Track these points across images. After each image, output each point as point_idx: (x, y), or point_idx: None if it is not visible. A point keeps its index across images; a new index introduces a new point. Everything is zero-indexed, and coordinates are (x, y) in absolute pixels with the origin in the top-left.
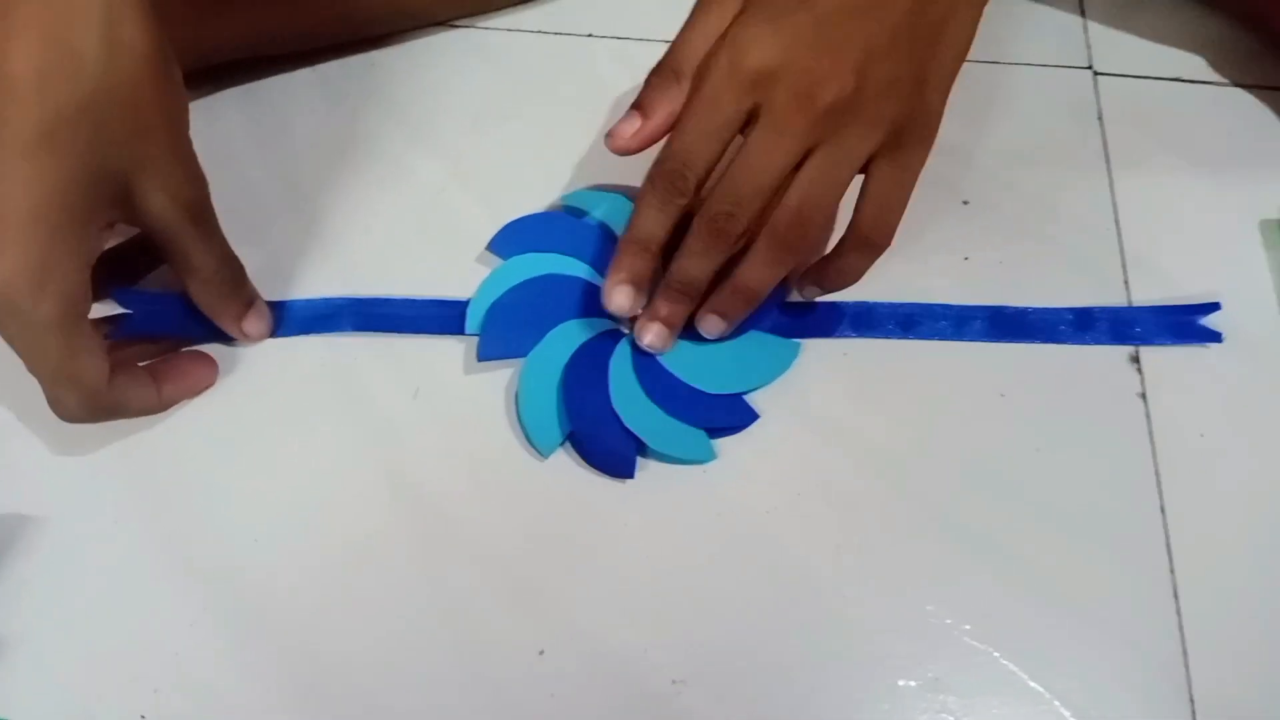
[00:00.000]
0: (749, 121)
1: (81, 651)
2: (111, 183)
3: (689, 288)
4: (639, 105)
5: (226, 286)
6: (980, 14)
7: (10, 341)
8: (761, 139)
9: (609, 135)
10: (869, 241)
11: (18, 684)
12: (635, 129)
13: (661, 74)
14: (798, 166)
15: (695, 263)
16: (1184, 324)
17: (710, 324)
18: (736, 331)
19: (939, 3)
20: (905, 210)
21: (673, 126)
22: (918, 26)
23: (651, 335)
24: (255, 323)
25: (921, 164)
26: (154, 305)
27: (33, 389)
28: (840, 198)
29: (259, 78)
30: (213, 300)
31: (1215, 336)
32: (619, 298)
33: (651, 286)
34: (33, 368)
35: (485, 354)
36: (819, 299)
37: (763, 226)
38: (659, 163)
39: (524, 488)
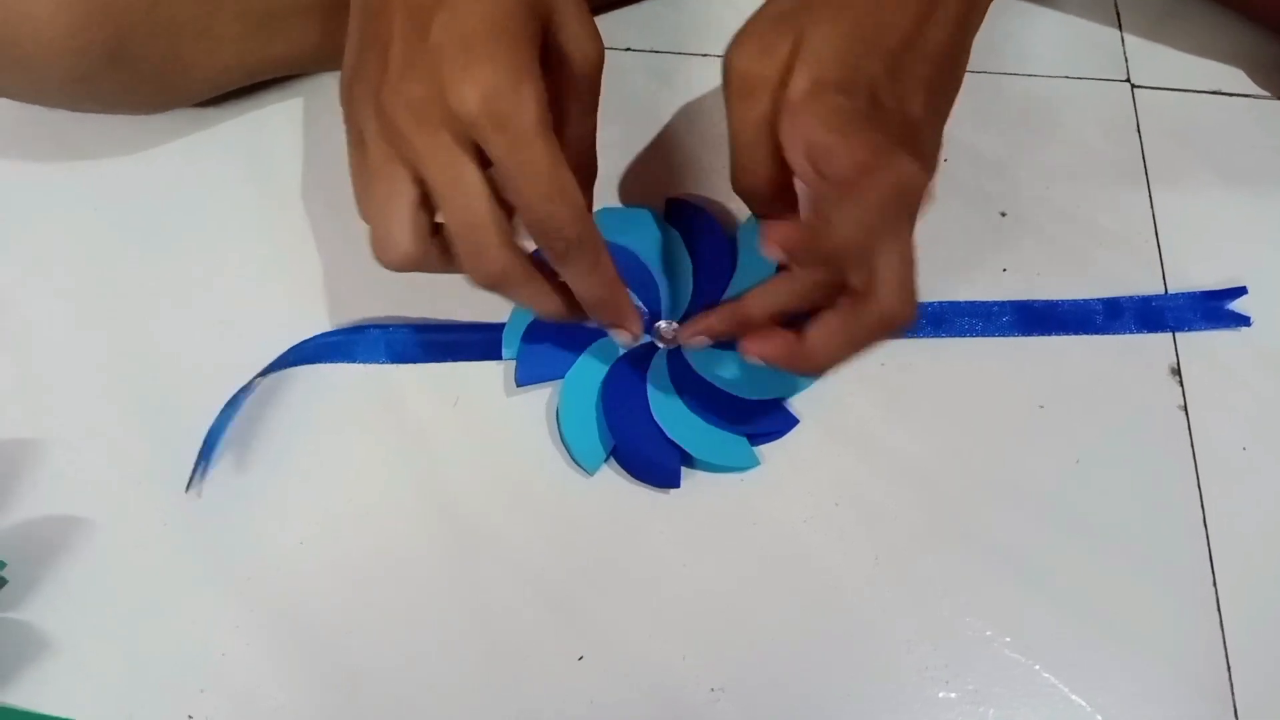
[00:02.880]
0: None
1: (129, 652)
2: (540, 17)
3: (748, 324)
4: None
5: (587, 158)
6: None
7: (500, 161)
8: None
9: (769, 233)
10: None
11: (67, 684)
12: (782, 236)
13: (747, 196)
14: None
15: (830, 342)
16: (1213, 309)
17: (753, 359)
18: None
19: (964, 49)
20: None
21: (795, 225)
22: (942, 87)
23: (698, 342)
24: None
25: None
26: None
27: (80, 397)
28: None
29: (303, 93)
30: (577, 164)
31: (1244, 320)
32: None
33: None
34: (522, 185)
35: (524, 379)
36: None
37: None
38: (819, 254)
39: (562, 498)
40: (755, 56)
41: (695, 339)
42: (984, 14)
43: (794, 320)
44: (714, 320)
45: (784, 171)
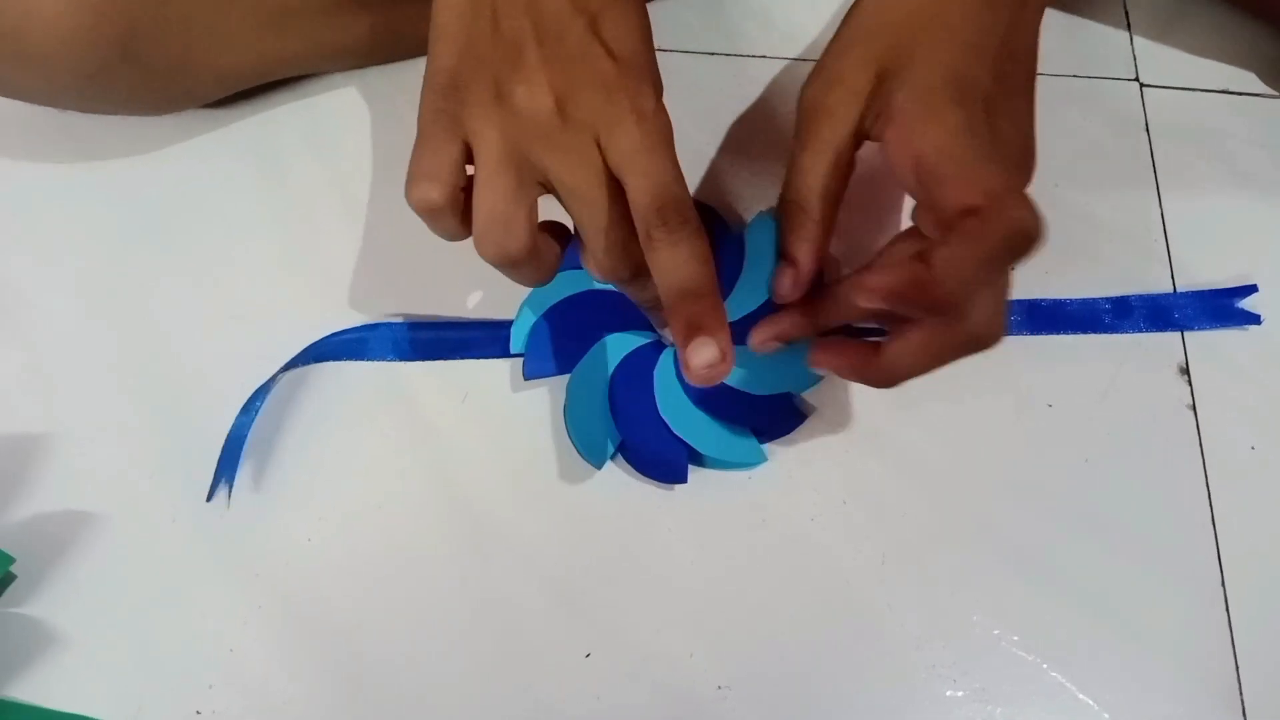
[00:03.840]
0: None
1: (138, 647)
2: None
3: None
4: (785, 256)
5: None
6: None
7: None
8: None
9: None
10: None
11: (76, 679)
12: (792, 280)
13: (788, 211)
14: None
15: (911, 356)
16: (1222, 307)
17: (821, 369)
18: None
19: (1037, 50)
20: None
21: (818, 262)
22: (1033, 83)
23: (766, 348)
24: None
25: None
26: None
27: (91, 392)
28: None
29: (314, 93)
30: None
31: (1254, 318)
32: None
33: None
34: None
35: (531, 373)
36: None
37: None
38: (991, 227)
39: (570, 494)
40: (825, 88)
41: (768, 344)
42: (1043, 9)
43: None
44: (788, 326)
45: (835, 196)
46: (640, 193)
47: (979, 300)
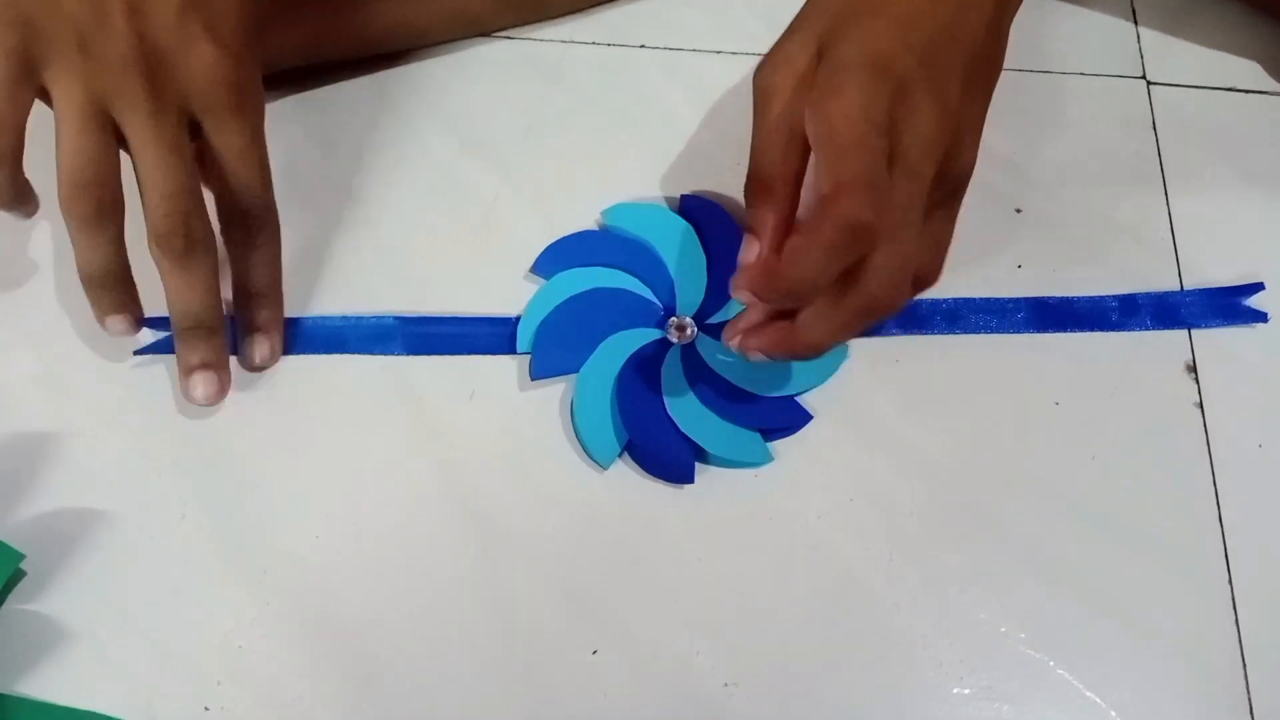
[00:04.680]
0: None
1: (147, 644)
2: None
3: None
4: (750, 229)
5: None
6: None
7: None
8: (906, 210)
9: (736, 280)
10: (923, 282)
11: (85, 675)
12: (755, 254)
13: (750, 189)
14: None
15: (818, 327)
16: (1229, 305)
17: (751, 351)
18: None
19: (1002, 33)
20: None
21: (781, 235)
22: (993, 67)
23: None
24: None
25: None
26: None
27: (104, 390)
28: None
29: (316, 86)
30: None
31: (1261, 316)
32: (742, 297)
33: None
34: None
35: (538, 373)
36: None
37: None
38: (828, 218)
39: (577, 492)
40: (772, 70)
41: (753, 352)
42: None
43: None
44: (771, 347)
45: (794, 173)
46: (227, 191)
47: (876, 266)
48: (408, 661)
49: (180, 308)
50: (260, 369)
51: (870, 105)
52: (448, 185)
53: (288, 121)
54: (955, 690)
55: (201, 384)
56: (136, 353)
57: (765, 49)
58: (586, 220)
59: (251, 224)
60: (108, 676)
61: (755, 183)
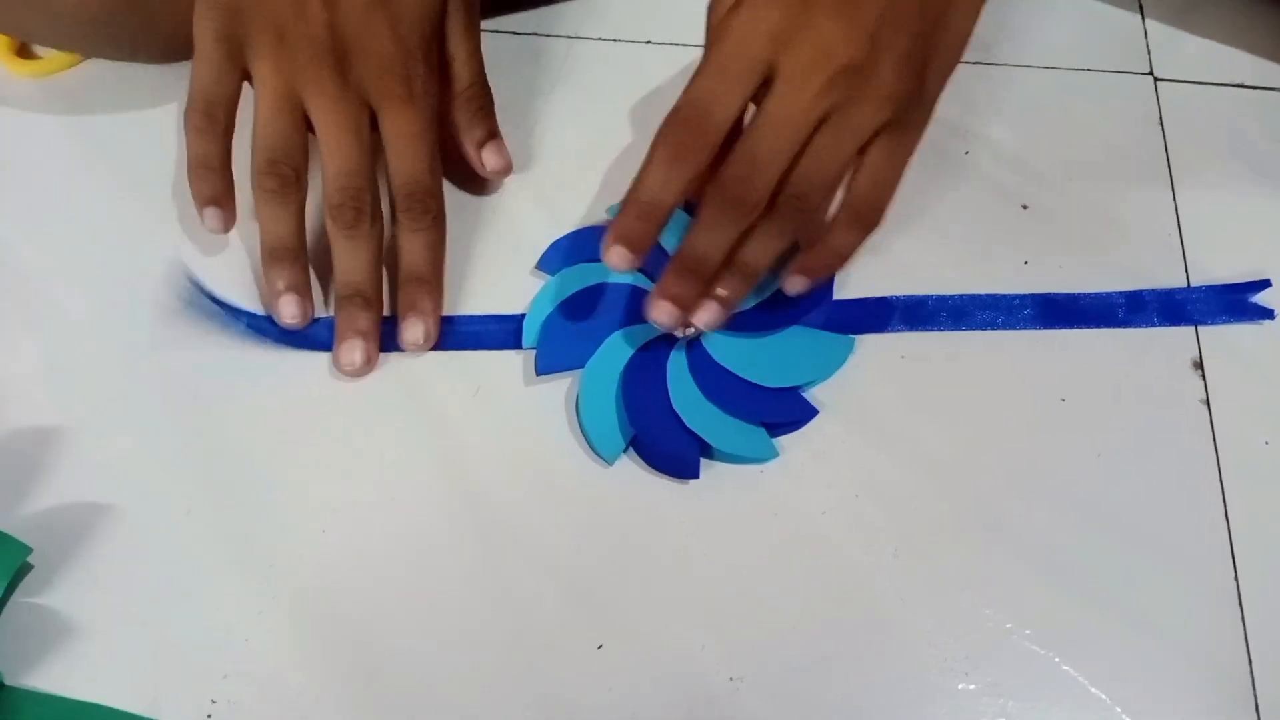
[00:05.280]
0: (763, 87)
1: (153, 638)
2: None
3: (701, 265)
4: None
5: (476, 104)
6: (980, 8)
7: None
8: (781, 100)
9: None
10: (861, 218)
11: (91, 669)
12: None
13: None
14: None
15: (709, 236)
16: (1236, 302)
17: (709, 315)
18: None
19: None
20: (896, 192)
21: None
22: (927, 5)
23: (660, 314)
24: (493, 156)
25: (915, 146)
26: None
27: (110, 385)
28: (846, 171)
29: None
30: (462, 118)
31: (1268, 313)
32: (614, 258)
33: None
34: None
35: (543, 368)
36: (849, 296)
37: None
38: (673, 113)
39: (582, 488)
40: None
41: (710, 314)
42: None
43: None
44: (727, 290)
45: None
46: (395, 175)
47: (730, 163)
48: (413, 656)
49: (343, 276)
50: (415, 349)
51: (754, 28)
52: (451, 183)
53: None
54: (960, 686)
55: (356, 350)
56: (248, 324)
57: None
58: (592, 216)
59: (415, 209)
60: (113, 670)
61: (681, 111)
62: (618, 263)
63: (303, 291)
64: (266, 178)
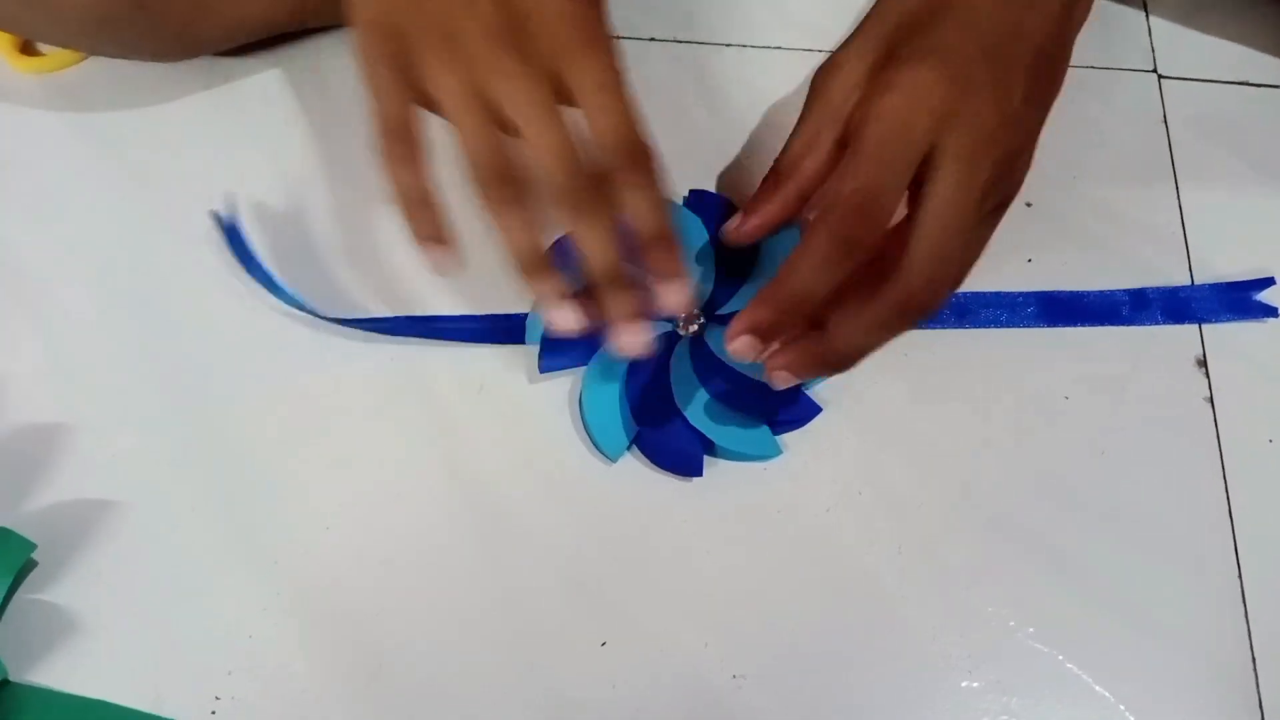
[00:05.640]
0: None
1: (158, 634)
2: None
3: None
4: (744, 208)
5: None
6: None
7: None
8: (956, 187)
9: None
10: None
11: (96, 665)
12: (733, 225)
13: (768, 176)
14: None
15: (850, 325)
16: (1240, 300)
17: (779, 372)
18: None
19: (1066, 41)
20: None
21: (771, 219)
22: (1055, 75)
23: (743, 346)
24: None
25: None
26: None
27: (115, 382)
28: None
29: (321, 49)
30: None
31: (1271, 311)
32: (741, 345)
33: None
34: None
35: (546, 366)
36: None
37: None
38: (842, 202)
39: (586, 485)
40: (828, 72)
41: (741, 345)
42: (1089, 5)
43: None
44: (754, 315)
45: (815, 172)
46: (601, 132)
47: (916, 261)
48: (416, 652)
49: (591, 261)
50: (676, 314)
51: (908, 107)
52: (455, 179)
53: (292, 99)
54: (964, 684)
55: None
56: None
57: (775, 40)
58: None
59: (624, 164)
60: (117, 666)
61: (771, 171)
62: (744, 351)
63: (569, 296)
64: (489, 187)
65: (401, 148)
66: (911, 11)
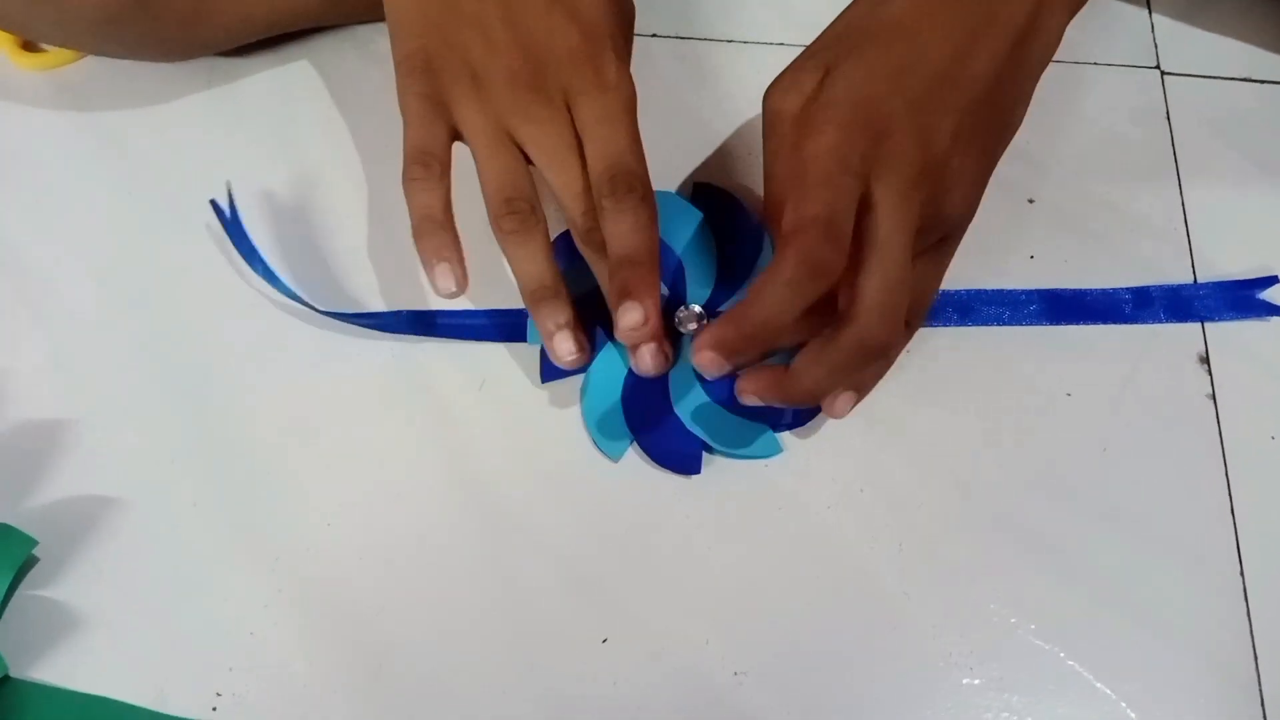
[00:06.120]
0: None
1: (159, 630)
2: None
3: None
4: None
5: None
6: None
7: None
8: (892, 225)
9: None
10: (910, 329)
11: (97, 662)
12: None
13: (767, 213)
14: None
15: (812, 367)
16: (1243, 298)
17: (746, 395)
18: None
19: (1016, 83)
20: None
21: None
22: (991, 119)
23: (707, 362)
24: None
25: (953, 255)
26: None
27: (116, 378)
28: None
29: (324, 48)
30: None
31: (1275, 310)
32: (706, 361)
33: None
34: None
35: (548, 376)
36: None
37: None
38: (804, 225)
39: (587, 482)
40: (782, 93)
41: (705, 359)
42: (1049, 48)
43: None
44: (721, 333)
45: None
46: (594, 160)
47: (866, 303)
48: (417, 649)
49: (617, 249)
50: (633, 337)
51: (842, 145)
52: (457, 177)
53: (300, 97)
54: (965, 681)
55: (565, 346)
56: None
57: (775, 38)
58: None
59: (619, 189)
60: (119, 663)
61: (767, 208)
62: (708, 366)
63: (574, 325)
64: (504, 219)
65: (423, 171)
66: (850, 36)
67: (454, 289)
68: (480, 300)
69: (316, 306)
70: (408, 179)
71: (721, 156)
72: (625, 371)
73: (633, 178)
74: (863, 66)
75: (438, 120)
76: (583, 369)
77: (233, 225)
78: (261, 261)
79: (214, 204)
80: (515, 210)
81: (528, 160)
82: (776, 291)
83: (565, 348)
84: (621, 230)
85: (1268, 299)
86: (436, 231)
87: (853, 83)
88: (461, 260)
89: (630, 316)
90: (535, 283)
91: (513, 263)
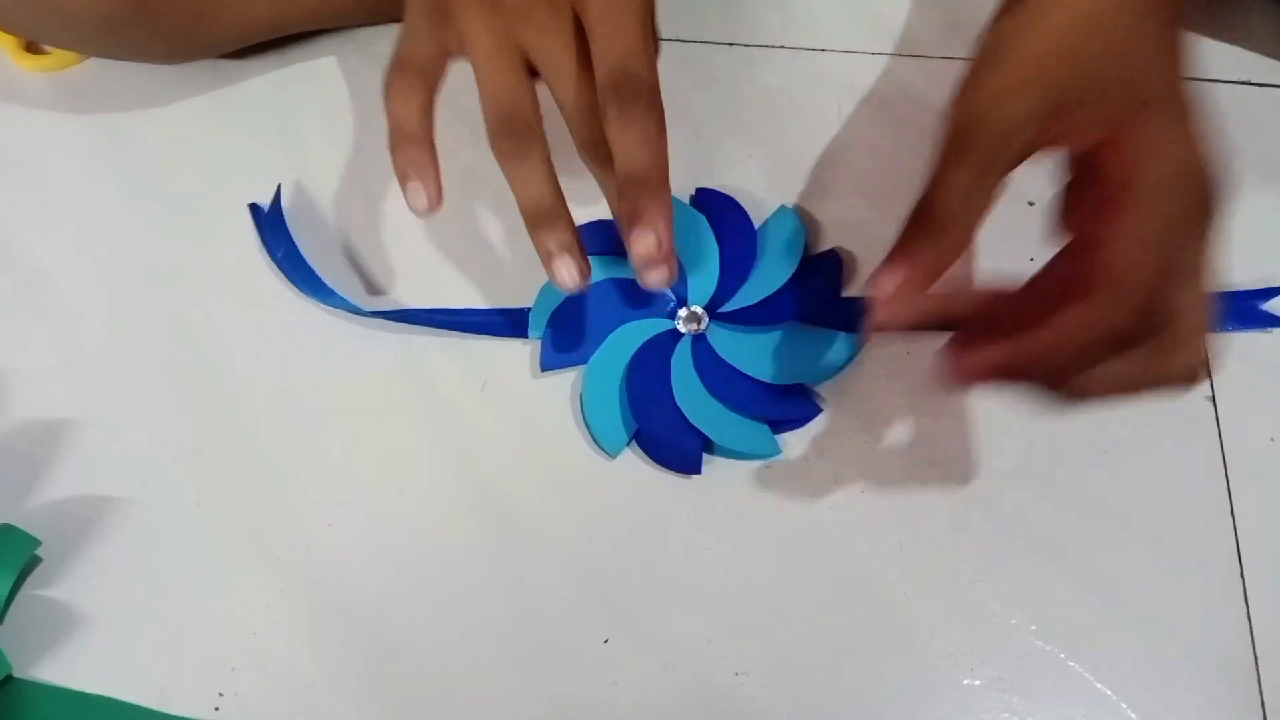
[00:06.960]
0: None
1: (162, 630)
2: None
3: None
4: (901, 257)
5: None
6: None
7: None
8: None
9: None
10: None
11: (100, 661)
12: (893, 284)
13: (927, 220)
14: None
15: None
16: (1245, 309)
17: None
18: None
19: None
20: None
21: (931, 281)
22: None
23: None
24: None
25: None
26: None
27: (120, 378)
28: None
29: (329, 51)
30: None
31: (1276, 321)
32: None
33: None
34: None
35: (548, 365)
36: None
37: None
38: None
39: (590, 482)
40: (986, 103)
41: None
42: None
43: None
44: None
45: (979, 217)
46: (597, 62)
47: (1182, 321)
48: (419, 648)
49: (623, 164)
50: (648, 264)
51: (1172, 256)
52: (459, 176)
53: (301, 97)
54: (966, 681)
55: (564, 269)
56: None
57: (777, 40)
58: (599, 211)
59: (624, 96)
60: (122, 662)
61: (932, 215)
62: (892, 325)
63: (575, 251)
64: (501, 139)
65: (407, 79)
66: (1079, 46)
67: (425, 207)
68: (480, 299)
69: (363, 309)
70: (388, 88)
71: (721, 159)
72: (625, 367)
73: (638, 82)
74: (1173, 132)
75: (436, 32)
76: (583, 360)
77: (270, 225)
78: (304, 263)
79: (253, 207)
80: (513, 130)
81: (535, 76)
82: (1083, 335)
83: (564, 273)
84: (628, 143)
85: (1271, 310)
86: (407, 145)
87: (1175, 155)
88: (436, 177)
89: (643, 244)
90: (534, 204)
91: (511, 184)
